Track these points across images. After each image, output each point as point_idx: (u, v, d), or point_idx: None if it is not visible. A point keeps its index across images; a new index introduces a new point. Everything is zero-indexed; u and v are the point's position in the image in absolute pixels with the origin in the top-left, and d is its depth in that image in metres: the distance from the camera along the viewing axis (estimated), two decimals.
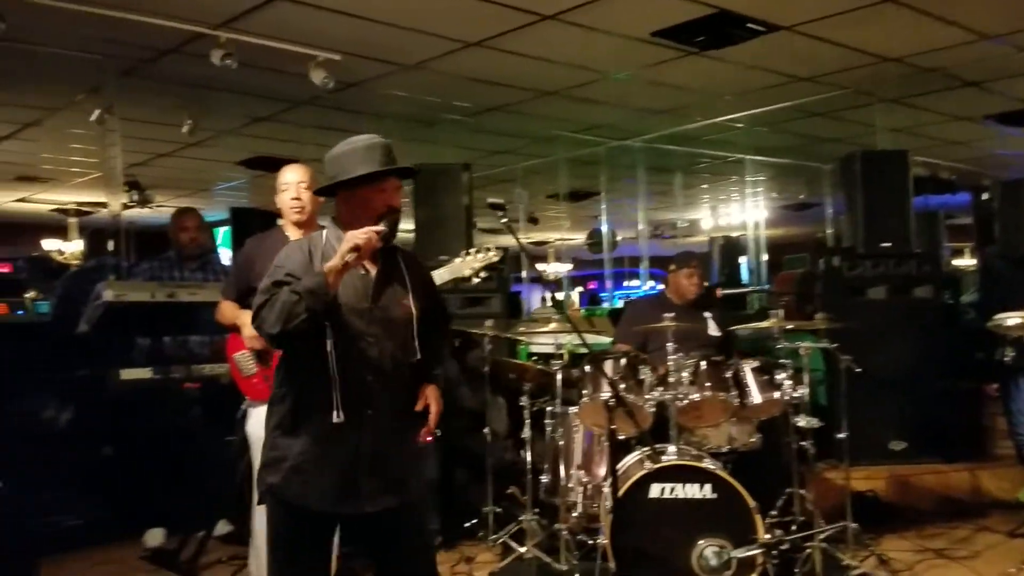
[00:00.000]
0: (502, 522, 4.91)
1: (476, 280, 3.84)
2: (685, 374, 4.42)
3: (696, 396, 4.39)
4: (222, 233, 10.98)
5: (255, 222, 6.60)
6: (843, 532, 4.55)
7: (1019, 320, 4.27)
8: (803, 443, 4.50)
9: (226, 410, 4.26)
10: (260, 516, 3.25)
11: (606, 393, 4.07)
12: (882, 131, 8.44)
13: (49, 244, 12.73)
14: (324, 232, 2.84)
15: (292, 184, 3.86)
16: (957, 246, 12.27)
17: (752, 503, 3.95)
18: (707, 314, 5.25)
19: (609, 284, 14.43)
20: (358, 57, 6.31)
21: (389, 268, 2.82)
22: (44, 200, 12.35)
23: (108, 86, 6.73)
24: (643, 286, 13.48)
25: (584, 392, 4.43)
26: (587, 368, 4.45)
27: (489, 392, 4.99)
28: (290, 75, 6.44)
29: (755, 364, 4.55)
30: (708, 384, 4.42)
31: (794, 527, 4.44)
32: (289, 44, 5.91)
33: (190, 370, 5.10)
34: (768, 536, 4.02)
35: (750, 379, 4.51)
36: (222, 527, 5.24)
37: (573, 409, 4.62)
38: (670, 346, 4.45)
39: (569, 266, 20.51)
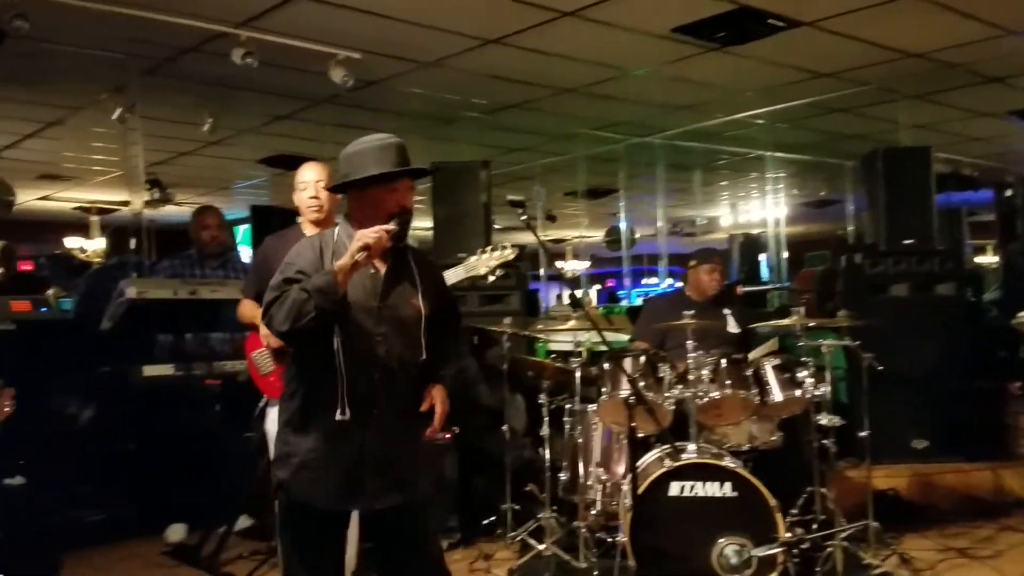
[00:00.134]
0: (521, 520, 4.90)
1: (492, 278, 3.83)
2: (705, 372, 4.40)
3: (716, 394, 4.36)
4: (242, 231, 11.07)
5: (275, 220, 6.64)
6: (864, 531, 4.50)
7: None
8: (824, 441, 4.47)
9: (245, 407, 4.29)
10: None
11: (626, 391, 4.06)
12: (904, 127, 8.37)
13: (71, 242, 12.79)
14: (336, 229, 2.85)
15: (310, 182, 3.87)
16: (979, 243, 12.15)
17: (773, 501, 3.92)
18: (726, 311, 5.24)
19: (627, 282, 14.42)
20: (377, 55, 6.32)
21: (399, 267, 2.82)
22: (66, 198, 12.46)
23: (130, 85, 6.78)
24: (661, 284, 13.43)
25: (604, 390, 4.43)
26: (606, 366, 4.45)
27: (507, 390, 4.99)
28: (310, 73, 6.48)
29: (776, 362, 4.52)
30: (728, 382, 4.39)
31: (815, 526, 4.41)
32: (309, 43, 5.94)
33: (211, 367, 5.13)
34: (788, 535, 3.99)
35: (771, 377, 4.48)
36: (243, 522, 5.25)
37: (592, 407, 4.61)
38: (690, 343, 4.43)
39: (587, 264, 20.47)
